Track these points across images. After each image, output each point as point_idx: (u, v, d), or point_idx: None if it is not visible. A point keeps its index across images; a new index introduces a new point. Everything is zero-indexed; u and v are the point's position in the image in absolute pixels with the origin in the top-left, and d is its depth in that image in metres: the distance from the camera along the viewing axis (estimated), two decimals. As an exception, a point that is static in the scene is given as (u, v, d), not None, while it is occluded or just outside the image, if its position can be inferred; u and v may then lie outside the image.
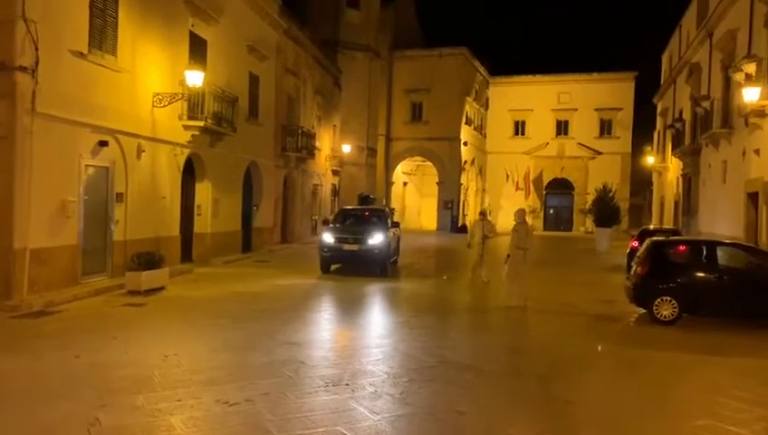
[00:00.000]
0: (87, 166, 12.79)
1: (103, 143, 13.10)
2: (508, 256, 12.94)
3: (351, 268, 16.92)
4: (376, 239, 16.38)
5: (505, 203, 48.07)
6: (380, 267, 16.56)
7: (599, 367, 8.50)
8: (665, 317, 10.91)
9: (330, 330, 10.61)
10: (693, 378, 8.00)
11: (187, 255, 17.56)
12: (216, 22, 17.93)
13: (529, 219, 37.83)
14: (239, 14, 19.90)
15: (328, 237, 16.60)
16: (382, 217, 18.58)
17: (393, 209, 24.72)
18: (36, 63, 10.81)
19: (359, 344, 9.31)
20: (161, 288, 13.15)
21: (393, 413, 6.10)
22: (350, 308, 12.36)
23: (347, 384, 6.95)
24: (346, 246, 16.45)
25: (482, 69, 46.53)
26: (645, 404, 6.71)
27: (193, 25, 16.93)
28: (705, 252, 11.60)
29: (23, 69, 10.61)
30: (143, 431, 5.48)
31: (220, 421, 5.78)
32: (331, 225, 17.81)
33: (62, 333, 9.19)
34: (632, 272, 11.79)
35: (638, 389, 7.31)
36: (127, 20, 13.69)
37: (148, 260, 13.04)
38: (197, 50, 17.19)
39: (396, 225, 19.09)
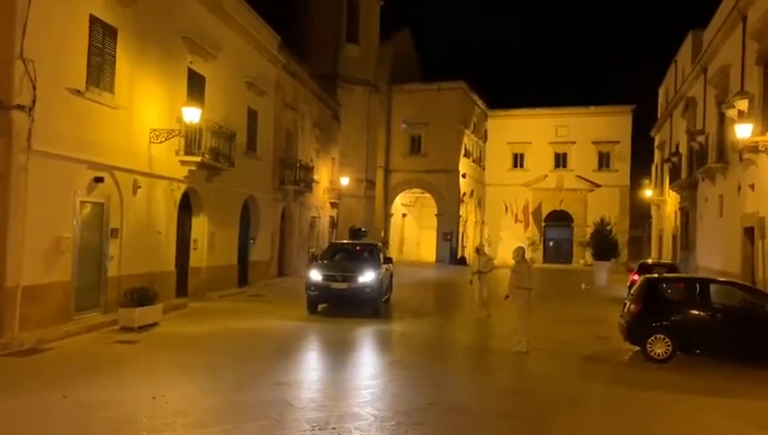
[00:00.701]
0: (82, 202, 12.84)
1: (99, 179, 13.17)
2: (507, 296, 12.52)
3: (342, 308, 15.79)
4: (367, 277, 15.27)
5: (505, 235, 48.21)
6: (372, 307, 15.53)
7: (590, 408, 8.41)
8: (658, 355, 10.85)
9: (318, 370, 10.54)
10: (684, 420, 7.92)
11: (182, 289, 17.51)
12: (214, 58, 18.17)
13: (529, 252, 37.66)
14: (238, 50, 20.18)
15: (315, 275, 15.51)
16: (374, 252, 17.51)
17: (386, 243, 23.48)
18: (33, 102, 10.92)
19: (347, 386, 9.23)
20: (155, 324, 13.09)
21: (378, 459, 6.03)
22: (339, 351, 11.78)
23: (333, 428, 6.89)
24: (334, 285, 15.27)
25: (480, 102, 46.99)
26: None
27: (191, 62, 17.15)
28: (698, 289, 11.59)
29: (20, 107, 10.72)
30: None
31: (202, 468, 5.71)
32: (319, 261, 17.02)
33: (51, 371, 9.16)
34: (626, 309, 11.74)
35: (627, 431, 7.24)
36: (125, 57, 13.89)
37: (142, 296, 13.00)
38: (196, 86, 17.39)
39: (388, 260, 17.88)
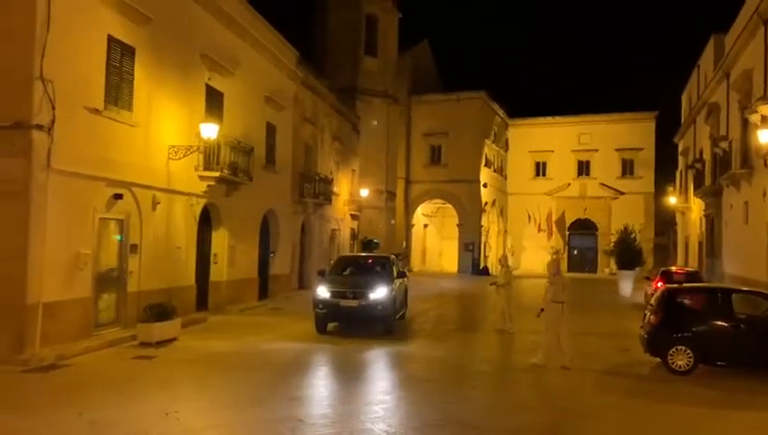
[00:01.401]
0: (101, 219, 13.03)
1: (118, 196, 13.34)
2: (542, 310, 11.75)
3: (352, 327, 14.85)
4: (379, 293, 14.23)
5: (528, 244, 47.94)
6: (384, 325, 14.52)
7: (608, 423, 8.22)
8: (680, 367, 10.63)
9: (330, 386, 10.50)
10: (705, 433, 7.72)
11: (203, 303, 17.65)
12: (232, 74, 18.37)
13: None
14: (256, 66, 20.38)
15: (322, 292, 14.43)
16: (387, 265, 16.32)
17: (399, 255, 21.75)
18: (53, 121, 11.13)
19: (360, 401, 9.18)
20: (173, 339, 13.19)
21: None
22: (350, 372, 11.02)
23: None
24: (343, 302, 14.19)
25: (501, 111, 46.85)
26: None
27: (209, 78, 17.36)
28: (720, 299, 11.32)
29: (39, 127, 10.93)
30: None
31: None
32: (327, 275, 15.65)
33: (68, 388, 9.25)
34: (646, 320, 11.53)
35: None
36: (143, 76, 14.11)
37: (160, 311, 13.11)
38: (214, 102, 17.60)
39: (402, 274, 16.70)
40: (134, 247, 14.14)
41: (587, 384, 10.29)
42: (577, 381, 10.53)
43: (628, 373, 11.18)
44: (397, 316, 15.42)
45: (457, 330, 16.85)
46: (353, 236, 32.66)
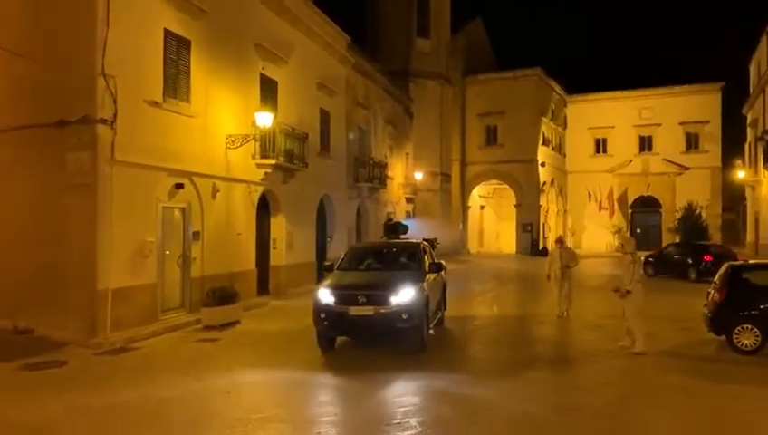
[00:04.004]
0: (164, 208, 13.53)
1: (179, 186, 13.83)
2: (628, 291, 10.80)
3: (367, 343, 11.34)
4: (404, 296, 10.28)
5: (589, 224, 47.01)
6: (413, 342, 10.53)
7: (665, 403, 8.06)
8: (745, 347, 10.30)
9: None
10: (771, 416, 7.48)
11: (263, 287, 18.12)
12: (285, 63, 18.63)
13: (615, 240, 36.55)
14: (308, 53, 20.59)
15: (324, 296, 10.55)
16: (416, 256, 12.31)
17: (433, 240, 17.11)
18: (115, 115, 11.61)
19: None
20: (236, 322, 13.63)
21: None
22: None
23: (398, 424, 6.96)
24: (354, 310, 10.22)
25: (558, 88, 45.84)
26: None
27: (263, 68, 17.66)
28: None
29: (103, 121, 11.42)
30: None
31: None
32: (334, 271, 11.87)
33: (137, 369, 9.72)
34: (709, 298, 11.18)
35: (704, 428, 6.92)
36: (198, 68, 14.49)
37: (223, 295, 13.56)
38: (268, 90, 17.91)
39: (437, 267, 12.31)
40: (196, 234, 14.64)
41: (645, 365, 10.07)
42: (634, 361, 10.32)
43: (689, 354, 10.88)
44: (431, 324, 11.59)
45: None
46: (408, 218, 32.75)
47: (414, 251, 12.61)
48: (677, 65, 72.48)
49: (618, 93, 46.58)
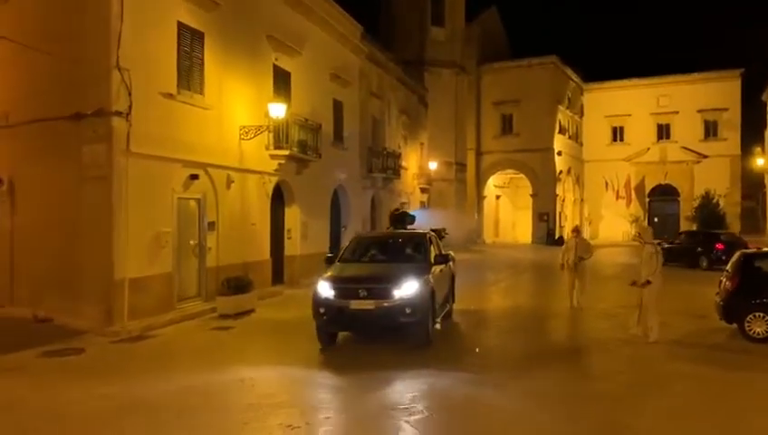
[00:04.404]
0: (179, 198, 13.73)
1: (194, 177, 14.01)
2: (648, 281, 10.54)
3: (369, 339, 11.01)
4: (407, 289, 9.85)
5: (606, 213, 46.75)
6: (418, 337, 10.18)
7: (674, 391, 8.08)
8: (757, 335, 10.30)
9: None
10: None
11: (278, 277, 18.31)
12: (298, 54, 18.71)
13: (632, 229, 36.29)
14: (321, 44, 20.65)
15: (324, 289, 10.13)
16: (422, 247, 11.75)
17: (442, 230, 16.11)
18: (130, 107, 11.79)
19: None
20: (251, 311, 13.83)
21: None
22: None
23: (405, 409, 7.09)
24: (355, 304, 9.83)
25: (574, 76, 45.50)
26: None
27: (276, 59, 17.76)
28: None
29: (118, 114, 11.61)
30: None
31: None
32: (336, 262, 11.47)
33: (154, 357, 9.95)
34: (721, 287, 11.15)
35: (711, 415, 6.96)
36: (212, 59, 14.63)
37: (238, 285, 13.76)
38: (281, 82, 18.01)
39: (444, 259, 11.92)
40: (211, 225, 14.83)
41: (656, 352, 10.09)
42: (646, 349, 10.34)
43: (701, 342, 10.87)
44: (437, 318, 11.22)
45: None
46: (423, 208, 32.79)
47: (420, 242, 12.00)
48: (696, 52, 71.37)
49: (635, 81, 46.11)
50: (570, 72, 44.33)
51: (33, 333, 11.05)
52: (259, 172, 16.79)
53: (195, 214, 14.48)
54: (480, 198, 42.27)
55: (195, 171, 14.05)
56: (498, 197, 46.46)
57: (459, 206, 36.10)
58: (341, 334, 10.87)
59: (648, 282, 10.49)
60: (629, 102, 46.03)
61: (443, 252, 12.43)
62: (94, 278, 11.70)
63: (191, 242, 14.11)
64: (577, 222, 43.18)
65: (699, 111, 44.39)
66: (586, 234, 44.65)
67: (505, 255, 31.50)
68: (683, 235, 26.76)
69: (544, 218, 40.89)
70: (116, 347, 10.53)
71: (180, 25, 13.55)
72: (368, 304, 9.78)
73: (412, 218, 14.25)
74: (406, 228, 13.63)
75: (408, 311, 9.74)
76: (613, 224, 45.54)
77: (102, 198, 11.66)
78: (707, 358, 9.74)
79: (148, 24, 12.54)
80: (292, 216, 19.12)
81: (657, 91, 45.48)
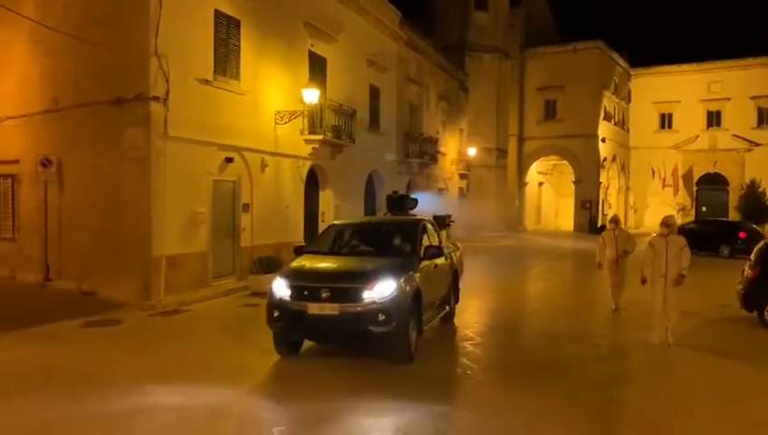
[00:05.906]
0: (215, 180, 14.32)
1: (229, 160, 14.58)
2: (682, 275, 9.46)
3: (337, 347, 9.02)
4: (380, 290, 7.83)
5: (652, 201, 45.78)
6: (394, 350, 8.14)
7: (676, 375, 8.19)
8: (776, 323, 10.22)
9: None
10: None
11: (312, 258, 18.79)
12: (334, 40, 19.06)
13: (679, 218, 35.57)
14: (358, 30, 20.95)
15: (279, 288, 8.22)
16: (411, 237, 9.49)
17: (447, 217, 14.19)
18: (167, 93, 12.39)
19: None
20: (282, 289, 14.33)
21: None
22: None
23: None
24: (314, 308, 7.90)
25: (621, 61, 44.59)
26: (709, 418, 6.53)
27: (312, 45, 18.16)
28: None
29: (156, 99, 12.22)
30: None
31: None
32: (304, 253, 9.32)
33: (188, 329, 10.58)
34: (743, 275, 11.09)
35: (709, 401, 7.09)
36: (248, 46, 15.13)
37: (269, 264, 14.26)
38: (317, 67, 18.41)
39: (438, 251, 9.54)
40: (246, 206, 15.41)
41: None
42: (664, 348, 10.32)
43: (724, 326, 10.88)
44: (425, 326, 9.02)
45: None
46: (461, 195, 32.87)
47: (410, 231, 9.71)
48: (749, 36, 68.57)
49: (685, 66, 44.86)
50: (616, 56, 43.46)
51: (78, 305, 11.80)
52: (293, 156, 17.27)
53: (230, 195, 15.06)
54: (522, 184, 42.01)
55: (230, 154, 14.61)
56: (541, 183, 46.06)
57: (499, 192, 36.01)
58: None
59: (683, 276, 9.38)
60: (678, 89, 44.83)
61: (443, 243, 10.76)
62: (134, 255, 12.40)
63: (237, 223, 14.76)
64: (621, 210, 42.51)
65: (752, 98, 42.88)
66: (631, 222, 44.01)
67: (544, 243, 31.29)
68: (698, 223, 26.26)
69: (587, 206, 40.39)
70: (151, 319, 11.18)
71: (217, 13, 14.06)
72: (330, 309, 7.82)
73: (414, 202, 12.05)
74: (407, 214, 11.50)
75: (380, 318, 7.71)
76: (659, 212, 43.78)
77: (141, 180, 12.31)
78: (718, 346, 9.76)
79: (186, 12, 13.09)
80: (326, 199, 19.59)
81: (708, 77, 44.15)
